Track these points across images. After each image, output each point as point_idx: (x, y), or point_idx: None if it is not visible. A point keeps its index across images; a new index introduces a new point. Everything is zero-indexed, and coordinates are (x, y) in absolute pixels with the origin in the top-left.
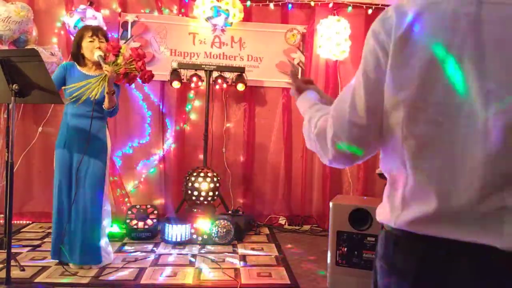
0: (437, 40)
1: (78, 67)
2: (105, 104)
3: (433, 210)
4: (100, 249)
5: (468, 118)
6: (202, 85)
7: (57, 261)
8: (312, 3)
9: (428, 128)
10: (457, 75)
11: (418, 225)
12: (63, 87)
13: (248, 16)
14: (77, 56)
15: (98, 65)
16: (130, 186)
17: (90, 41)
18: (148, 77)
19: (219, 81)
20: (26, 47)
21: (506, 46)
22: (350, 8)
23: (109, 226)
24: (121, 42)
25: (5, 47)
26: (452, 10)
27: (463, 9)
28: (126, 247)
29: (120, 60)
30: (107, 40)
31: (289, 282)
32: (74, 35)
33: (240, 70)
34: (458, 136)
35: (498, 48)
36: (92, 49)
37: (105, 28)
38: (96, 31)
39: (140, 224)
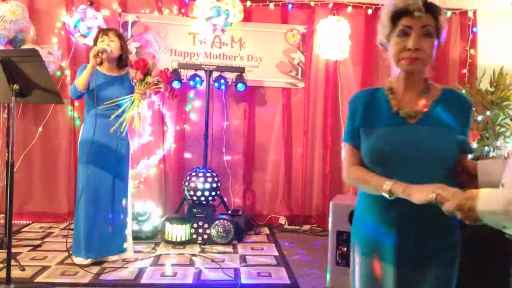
0: None
1: (97, 67)
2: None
3: None
4: (125, 238)
5: None
6: (202, 85)
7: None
8: (312, 3)
9: None
10: None
11: None
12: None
13: (248, 16)
14: None
15: (108, 62)
16: (130, 186)
17: (101, 41)
18: (175, 96)
19: (219, 81)
20: (24, 47)
21: None
22: (350, 8)
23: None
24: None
25: (1, 47)
26: None
27: None
28: None
29: (149, 79)
30: (121, 39)
31: (289, 282)
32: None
33: (240, 70)
34: None
35: None
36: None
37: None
38: (106, 31)
39: (140, 224)
